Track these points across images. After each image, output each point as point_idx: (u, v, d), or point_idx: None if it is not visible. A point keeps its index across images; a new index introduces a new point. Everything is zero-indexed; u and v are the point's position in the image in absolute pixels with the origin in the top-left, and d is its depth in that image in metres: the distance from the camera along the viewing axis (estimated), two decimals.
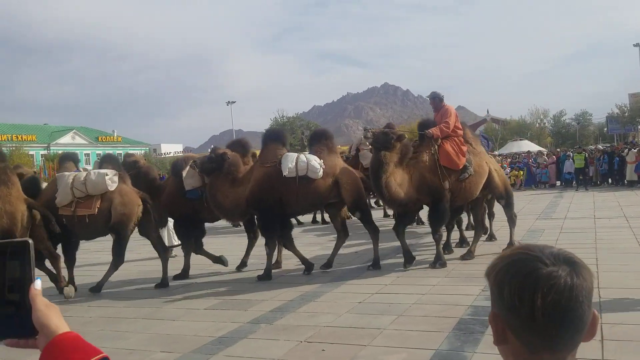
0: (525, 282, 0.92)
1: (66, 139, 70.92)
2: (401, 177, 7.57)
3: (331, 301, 6.38)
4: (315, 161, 7.75)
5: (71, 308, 6.88)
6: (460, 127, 7.98)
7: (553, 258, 0.94)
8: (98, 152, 74.64)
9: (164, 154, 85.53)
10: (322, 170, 7.74)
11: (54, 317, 0.94)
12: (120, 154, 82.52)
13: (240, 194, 7.74)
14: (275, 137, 8.49)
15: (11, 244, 0.95)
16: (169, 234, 10.25)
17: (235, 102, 65.54)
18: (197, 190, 8.27)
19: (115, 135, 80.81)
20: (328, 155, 8.05)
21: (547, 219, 12.41)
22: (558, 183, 23.42)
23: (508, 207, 8.79)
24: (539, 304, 0.90)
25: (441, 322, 5.17)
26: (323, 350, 4.71)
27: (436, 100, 8.27)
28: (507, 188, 8.87)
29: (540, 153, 26.77)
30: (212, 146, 8.61)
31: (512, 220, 8.93)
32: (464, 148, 7.81)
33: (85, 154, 72.19)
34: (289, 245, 8.15)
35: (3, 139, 58.89)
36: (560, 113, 67.25)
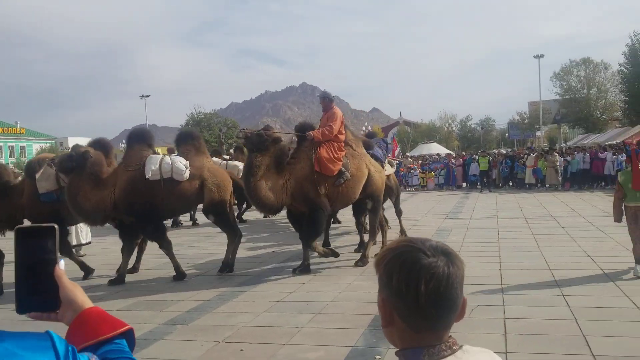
0: (411, 271, 1.04)
1: None
2: (274, 181, 7.31)
3: (249, 301, 6.39)
4: (180, 162, 7.57)
5: None
6: (343, 131, 7.79)
7: (433, 250, 1.06)
8: None
9: (68, 148, 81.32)
10: (188, 171, 7.58)
11: (80, 294, 1.05)
12: (24, 146, 77.84)
13: (104, 196, 7.38)
14: (140, 138, 8.06)
15: (39, 228, 1.04)
16: (77, 232, 9.82)
17: (149, 95, 63.38)
18: (52, 193, 7.79)
19: (19, 127, 75.58)
20: (195, 156, 7.85)
21: (454, 219, 13.06)
22: (464, 184, 24.67)
23: (373, 212, 8.34)
24: (423, 290, 1.02)
25: (357, 320, 5.33)
26: (242, 350, 4.72)
27: (326, 100, 7.97)
28: (380, 190, 8.41)
29: (449, 155, 28.11)
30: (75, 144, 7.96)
31: (373, 229, 8.44)
32: (341, 153, 7.58)
33: None
34: (139, 249, 8.28)
35: None
36: (467, 118, 71.02)
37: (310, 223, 7.48)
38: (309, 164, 7.46)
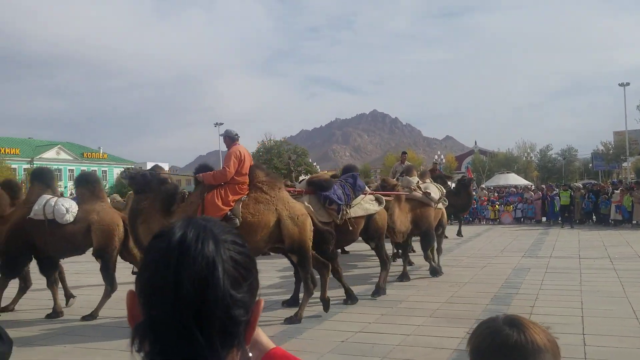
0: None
1: (51, 153, 70.19)
2: (159, 225, 6.62)
3: (314, 339, 6.19)
4: (62, 205, 7.53)
5: None
6: (245, 172, 7.05)
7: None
8: (82, 168, 73.98)
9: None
10: (70, 214, 7.53)
11: (263, 334, 1.08)
12: (106, 171, 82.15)
13: (2, 232, 7.54)
14: (39, 177, 8.13)
15: None
16: None
17: (222, 123, 65.37)
18: None
19: (101, 152, 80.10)
20: (88, 200, 7.83)
21: (532, 257, 12.34)
22: (544, 219, 23.47)
23: (300, 265, 7.19)
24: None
25: None
26: None
27: (226, 139, 7.32)
28: (300, 239, 7.05)
29: (527, 189, 26.87)
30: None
31: (306, 286, 7.18)
32: (235, 197, 6.88)
33: (69, 170, 71.44)
34: (50, 285, 7.90)
35: None
36: (547, 147, 68.23)
37: None
38: (195, 208, 6.86)
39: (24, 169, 60.80)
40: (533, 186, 31.42)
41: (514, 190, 26.87)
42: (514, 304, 7.51)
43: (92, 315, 7.37)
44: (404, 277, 9.55)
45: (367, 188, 8.76)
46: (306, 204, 7.47)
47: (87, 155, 76.30)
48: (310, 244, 7.05)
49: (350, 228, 7.79)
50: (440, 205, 10.25)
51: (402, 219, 9.07)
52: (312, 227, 7.10)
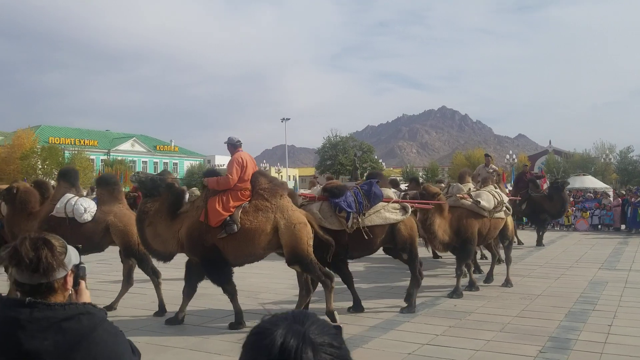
0: None
1: (126, 146, 73.35)
2: (164, 228, 7.05)
3: (379, 349, 6.08)
4: (81, 205, 7.86)
5: None
6: (247, 178, 7.10)
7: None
8: (155, 160, 76.94)
9: (218, 165, 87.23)
10: (88, 214, 7.86)
11: None
12: (177, 163, 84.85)
13: (30, 227, 7.76)
14: (65, 176, 8.60)
15: None
16: None
17: (289, 119, 66.11)
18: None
19: (173, 145, 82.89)
20: (107, 200, 8.16)
21: (610, 270, 11.65)
22: (622, 227, 22.18)
23: (306, 271, 7.08)
24: None
25: None
26: None
27: (229, 146, 7.44)
28: (296, 248, 6.93)
29: (605, 193, 25.39)
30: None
31: (323, 284, 7.05)
32: (236, 203, 6.94)
33: (142, 162, 74.44)
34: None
35: (67, 142, 61.50)
36: (628, 149, 64.33)
37: (202, 274, 7.23)
38: (199, 212, 7.00)
39: (102, 160, 63.94)
40: (611, 190, 29.74)
41: (591, 195, 25.45)
42: (590, 322, 7.11)
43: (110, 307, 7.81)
44: (472, 286, 9.25)
45: (394, 195, 8.35)
46: (315, 210, 7.46)
47: (159, 147, 79.21)
48: (309, 250, 6.95)
49: (366, 237, 7.48)
50: (502, 215, 9.49)
51: (445, 228, 8.65)
52: (312, 236, 7.02)
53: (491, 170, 11.38)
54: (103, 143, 71.13)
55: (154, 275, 7.97)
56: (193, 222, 6.97)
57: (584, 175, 38.34)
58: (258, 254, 7.13)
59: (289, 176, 79.54)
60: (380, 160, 79.77)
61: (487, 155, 13.85)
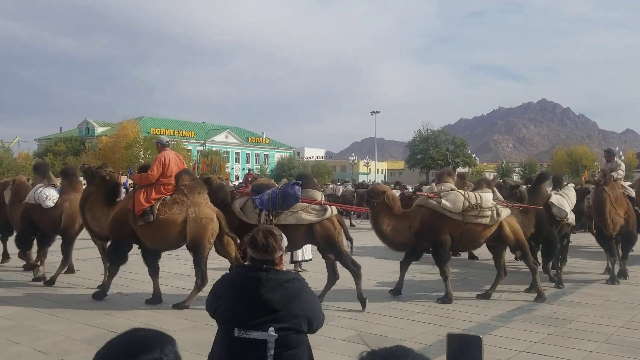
0: None
1: (220, 137, 76.23)
2: (102, 213, 8.13)
3: None
4: (44, 193, 9.27)
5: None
6: (171, 174, 7.98)
7: None
8: (247, 152, 79.41)
9: (307, 157, 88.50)
10: (50, 201, 9.25)
11: None
12: (267, 154, 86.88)
13: (19, 212, 9.72)
14: (37, 169, 10.55)
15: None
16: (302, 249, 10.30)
17: (379, 112, 65.68)
18: None
19: (264, 137, 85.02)
20: (67, 190, 9.47)
21: None
22: None
23: (195, 262, 7.77)
24: None
25: None
26: None
27: (158, 145, 8.55)
28: (197, 239, 7.67)
29: None
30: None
31: (197, 280, 7.73)
32: (157, 196, 7.87)
33: (236, 153, 77.05)
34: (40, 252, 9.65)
35: (167, 133, 64.85)
36: None
37: (110, 253, 8.22)
38: (129, 202, 7.98)
39: (198, 150, 66.83)
40: None
41: None
42: None
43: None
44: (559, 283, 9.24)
45: (319, 197, 8.20)
46: (237, 205, 8.09)
47: (251, 139, 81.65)
48: (208, 245, 7.77)
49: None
50: (484, 220, 8.26)
51: (398, 228, 8.40)
52: (217, 231, 7.78)
53: (610, 165, 10.47)
54: (199, 134, 74.31)
55: (65, 258, 9.23)
56: (122, 208, 7.98)
57: None
58: (171, 242, 7.97)
59: (378, 169, 79.07)
60: (474, 155, 77.37)
61: (606, 152, 11.79)
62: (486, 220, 8.29)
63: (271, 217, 7.86)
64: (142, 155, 52.21)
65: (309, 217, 7.98)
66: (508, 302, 8.29)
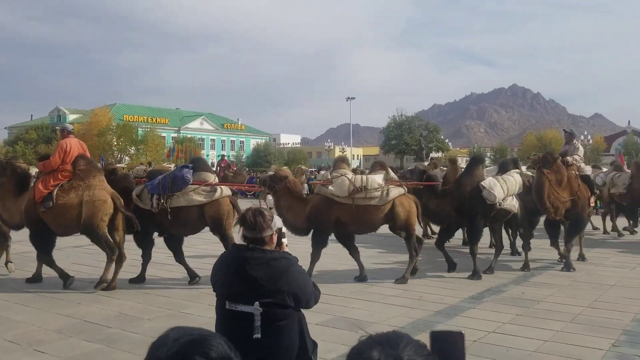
0: None
1: (195, 124, 75.32)
2: (12, 203, 8.38)
3: None
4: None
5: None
6: (69, 160, 8.17)
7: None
8: (222, 138, 78.68)
9: (283, 144, 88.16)
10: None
11: None
12: (243, 141, 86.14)
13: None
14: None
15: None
16: None
17: (354, 98, 65.74)
18: None
19: (239, 123, 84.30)
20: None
21: None
22: None
23: (94, 242, 8.20)
24: None
25: None
26: None
27: (62, 132, 8.76)
28: (89, 221, 7.96)
29: None
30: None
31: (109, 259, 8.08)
32: (54, 182, 8.06)
33: (211, 139, 76.31)
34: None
35: (140, 120, 63.86)
36: None
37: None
38: (32, 190, 8.20)
39: (172, 137, 66.03)
40: None
41: None
42: None
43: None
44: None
45: (211, 178, 8.50)
46: (134, 193, 8.29)
47: (226, 126, 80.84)
48: (101, 224, 7.94)
49: (169, 218, 8.08)
50: (374, 202, 8.52)
51: (297, 212, 8.59)
52: (109, 212, 8.01)
53: (568, 147, 10.23)
54: (173, 121, 73.32)
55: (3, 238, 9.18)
56: (29, 199, 8.14)
57: None
58: (71, 226, 8.18)
59: (353, 155, 79.30)
60: (447, 140, 78.20)
61: (566, 132, 11.39)
62: (375, 201, 8.51)
63: (162, 201, 8.10)
64: (115, 143, 51.40)
65: (199, 197, 8.23)
66: (478, 283, 8.51)
